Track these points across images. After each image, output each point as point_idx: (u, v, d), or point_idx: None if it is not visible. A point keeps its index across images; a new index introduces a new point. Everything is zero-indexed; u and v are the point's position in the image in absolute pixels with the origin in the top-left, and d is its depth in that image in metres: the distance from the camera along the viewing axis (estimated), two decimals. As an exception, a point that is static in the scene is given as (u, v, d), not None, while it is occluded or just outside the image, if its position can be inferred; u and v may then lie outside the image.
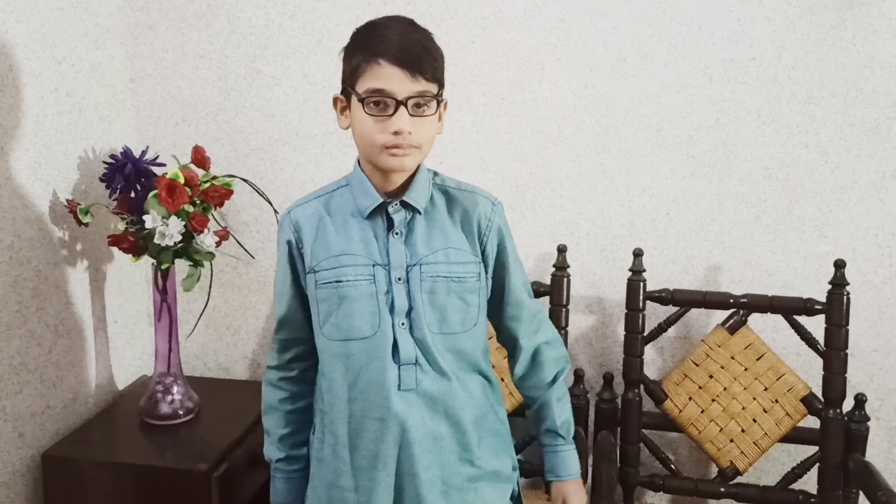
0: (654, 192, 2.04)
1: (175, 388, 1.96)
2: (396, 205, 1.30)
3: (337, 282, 1.29)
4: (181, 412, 1.96)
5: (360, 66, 1.23)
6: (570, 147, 2.05)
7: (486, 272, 1.36)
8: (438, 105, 1.27)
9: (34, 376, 1.81)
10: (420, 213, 1.31)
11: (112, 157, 1.88)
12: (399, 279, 1.29)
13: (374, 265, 1.29)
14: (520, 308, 1.40)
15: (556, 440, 1.44)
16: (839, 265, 1.84)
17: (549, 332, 1.45)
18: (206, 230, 1.84)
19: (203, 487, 1.75)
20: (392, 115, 1.21)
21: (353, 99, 1.25)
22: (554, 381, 1.44)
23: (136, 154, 1.89)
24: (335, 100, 1.31)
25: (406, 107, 1.21)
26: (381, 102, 1.22)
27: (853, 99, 1.93)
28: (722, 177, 2.01)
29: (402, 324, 1.28)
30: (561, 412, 1.44)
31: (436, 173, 1.37)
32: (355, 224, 1.31)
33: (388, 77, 1.21)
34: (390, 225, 1.30)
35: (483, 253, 1.34)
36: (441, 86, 1.26)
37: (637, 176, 2.04)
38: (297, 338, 1.42)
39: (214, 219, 2.03)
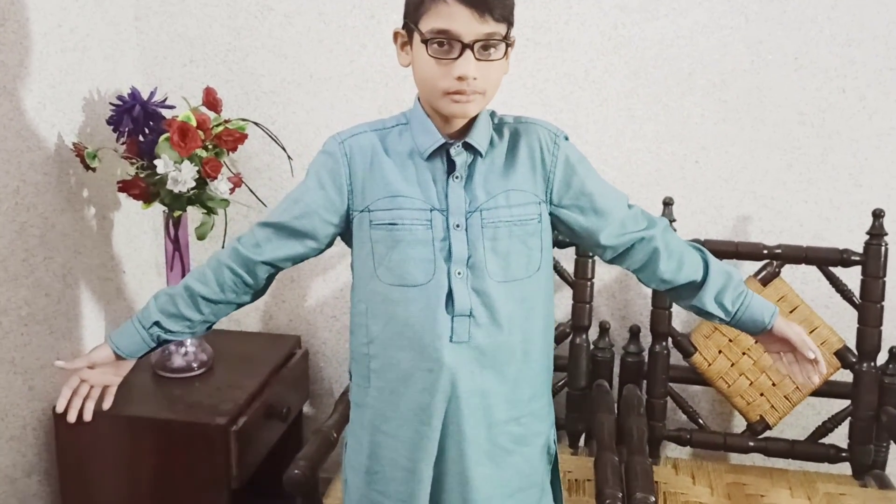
0: (683, 138, 1.96)
1: (188, 341, 1.90)
2: (458, 146, 1.22)
3: (391, 224, 1.22)
4: (195, 365, 1.90)
5: (425, 2, 1.14)
6: (597, 91, 1.96)
7: (561, 210, 1.27)
8: (507, 47, 1.18)
9: (43, 327, 1.74)
10: (482, 155, 1.23)
11: (119, 98, 1.79)
12: (457, 226, 1.22)
13: (431, 210, 1.22)
14: (623, 225, 1.31)
15: (744, 290, 1.36)
16: (878, 214, 1.77)
17: (661, 220, 1.36)
18: (219, 176, 1.76)
19: (221, 441, 1.70)
20: (457, 58, 1.13)
21: (416, 37, 1.17)
22: (699, 250, 1.36)
23: (144, 96, 1.80)
24: (395, 34, 1.23)
25: (472, 50, 1.13)
26: (445, 44, 1.13)
27: (895, 41, 1.84)
28: (755, 122, 1.93)
29: (459, 273, 1.21)
30: (726, 267, 1.36)
31: (494, 112, 1.29)
32: (413, 165, 1.23)
33: (455, 17, 1.12)
34: (450, 168, 1.23)
35: (551, 190, 1.26)
36: (510, 25, 1.17)
37: (666, 122, 1.96)
38: (277, 257, 1.29)
39: (226, 165, 1.95)
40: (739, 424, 2.01)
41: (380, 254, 1.24)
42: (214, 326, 2.09)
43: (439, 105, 1.18)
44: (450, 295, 1.21)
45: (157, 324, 1.28)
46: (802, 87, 1.90)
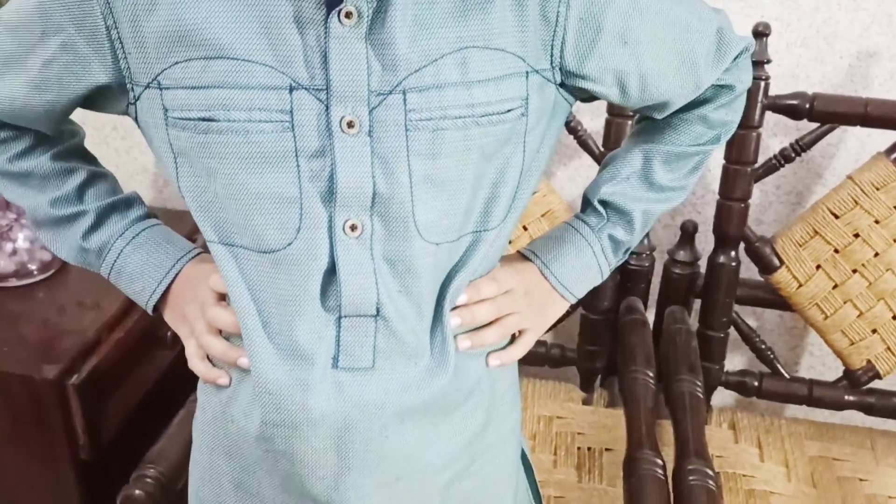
0: (788, -77, 1.23)
1: (19, 233, 1.27)
2: None
3: (207, 119, 0.58)
4: (33, 267, 1.28)
5: None
6: None
7: (580, 82, 0.64)
8: None
9: None
10: None
11: None
12: (350, 125, 0.58)
13: (291, 88, 0.58)
14: (686, 104, 0.72)
15: (589, 215, 0.77)
16: None
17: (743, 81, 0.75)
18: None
19: (54, 401, 1.12)
20: None
21: None
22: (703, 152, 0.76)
23: None
24: None
25: None
26: None
27: None
28: None
29: (354, 227, 0.60)
30: (647, 186, 0.75)
31: None
32: None
33: None
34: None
35: (560, 47, 0.61)
36: None
37: None
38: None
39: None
40: (822, 371, 1.43)
41: (188, 180, 0.62)
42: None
43: None
44: (333, 272, 0.61)
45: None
46: None
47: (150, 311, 0.73)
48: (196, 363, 0.70)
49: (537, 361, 1.34)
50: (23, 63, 0.62)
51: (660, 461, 0.97)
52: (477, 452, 0.71)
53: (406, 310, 0.62)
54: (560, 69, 0.62)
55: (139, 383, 1.28)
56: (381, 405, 0.63)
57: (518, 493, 0.78)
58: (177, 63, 0.57)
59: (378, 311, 0.62)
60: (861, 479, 1.20)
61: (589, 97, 0.68)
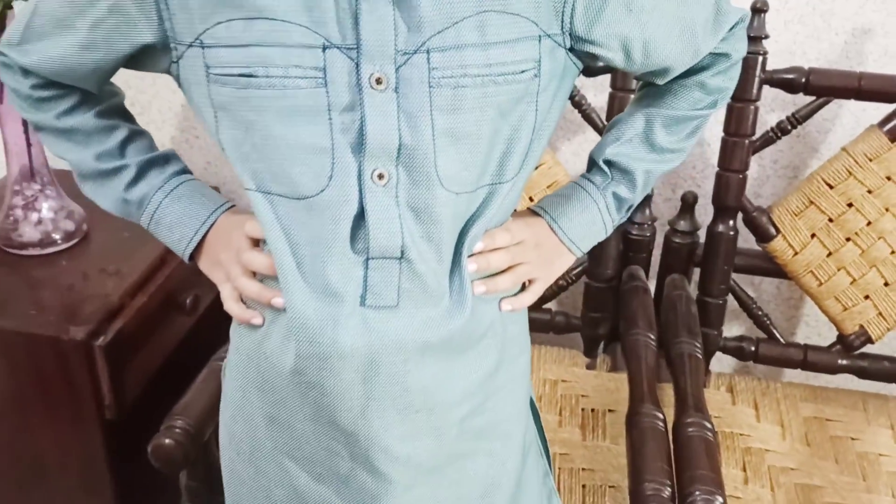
0: None
1: (44, 203, 1.32)
2: None
3: (246, 76, 0.63)
4: (57, 237, 1.33)
5: None
6: None
7: (588, 46, 0.69)
8: None
9: None
10: None
11: None
12: (379, 81, 0.63)
13: (324, 48, 0.63)
14: (685, 70, 0.77)
15: (594, 174, 0.82)
16: None
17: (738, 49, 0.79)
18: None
19: (82, 362, 1.17)
20: None
21: None
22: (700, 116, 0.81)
23: None
24: None
25: None
26: None
27: None
28: None
29: (381, 176, 0.65)
30: (649, 147, 0.80)
31: None
32: None
33: None
34: None
35: (570, 13, 0.66)
36: None
37: None
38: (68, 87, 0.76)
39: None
40: (817, 340, 1.48)
41: (228, 131, 0.67)
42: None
43: None
44: (361, 217, 0.66)
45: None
46: None
47: (186, 259, 0.78)
48: (231, 305, 0.75)
49: (543, 328, 1.39)
50: (73, 24, 0.67)
51: (660, 415, 1.03)
52: (490, 391, 0.76)
53: (428, 254, 0.68)
54: (570, 34, 0.67)
55: (161, 347, 1.33)
56: (403, 341, 0.68)
57: (527, 434, 0.84)
58: (219, 23, 0.62)
59: (402, 253, 0.67)
60: (853, 439, 1.26)
61: (594, 66, 0.73)
